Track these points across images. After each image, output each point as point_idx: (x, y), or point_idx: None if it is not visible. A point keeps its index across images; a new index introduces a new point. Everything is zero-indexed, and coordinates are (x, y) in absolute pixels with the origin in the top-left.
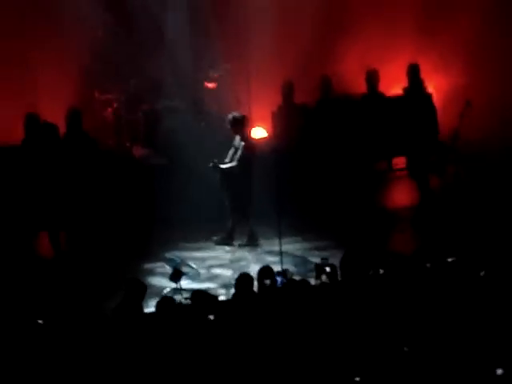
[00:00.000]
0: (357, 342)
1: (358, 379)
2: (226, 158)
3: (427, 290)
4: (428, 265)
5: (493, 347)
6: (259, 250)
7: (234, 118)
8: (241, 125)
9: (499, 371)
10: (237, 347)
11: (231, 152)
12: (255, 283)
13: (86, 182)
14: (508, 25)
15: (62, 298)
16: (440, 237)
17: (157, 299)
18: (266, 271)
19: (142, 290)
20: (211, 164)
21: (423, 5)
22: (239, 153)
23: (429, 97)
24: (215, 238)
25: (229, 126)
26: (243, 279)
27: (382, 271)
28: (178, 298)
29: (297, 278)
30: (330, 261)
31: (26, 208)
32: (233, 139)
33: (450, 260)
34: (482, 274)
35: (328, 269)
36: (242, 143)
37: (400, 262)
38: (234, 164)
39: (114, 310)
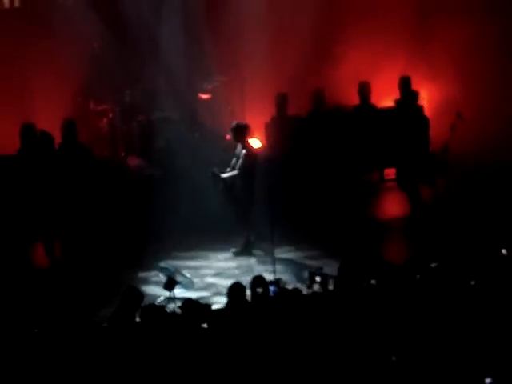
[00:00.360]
0: (347, 350)
1: None
2: (227, 167)
3: (417, 299)
4: (418, 275)
5: (482, 356)
6: (253, 259)
7: (238, 126)
8: (243, 133)
9: (488, 380)
10: (229, 356)
11: (233, 161)
12: (248, 292)
13: (80, 192)
14: (500, 37)
15: (56, 308)
16: (431, 247)
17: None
18: (258, 280)
19: (139, 299)
20: (210, 173)
21: (415, 17)
22: (240, 161)
23: (419, 109)
24: (234, 250)
25: (231, 134)
26: (235, 288)
27: (373, 282)
28: (171, 306)
29: (289, 287)
30: (322, 270)
31: (22, 217)
32: (227, 149)
33: (433, 265)
34: (472, 283)
35: (319, 278)
36: (244, 152)
37: (392, 272)
38: (235, 172)
39: (110, 319)
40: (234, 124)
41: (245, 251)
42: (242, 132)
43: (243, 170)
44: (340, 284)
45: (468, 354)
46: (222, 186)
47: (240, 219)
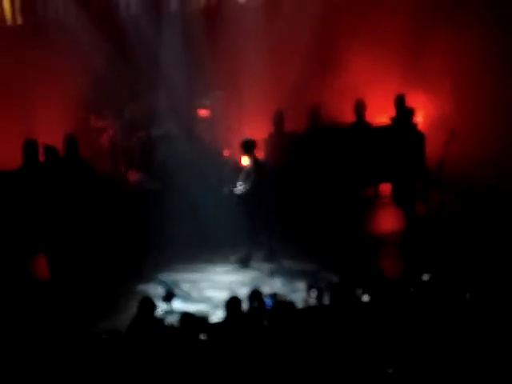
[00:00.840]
0: (343, 363)
1: None
2: (237, 181)
3: (412, 313)
4: (412, 289)
5: (477, 367)
6: (250, 272)
7: (247, 142)
8: (253, 148)
9: None
10: (224, 368)
11: (243, 175)
12: (244, 305)
13: (81, 206)
14: (496, 53)
15: (55, 319)
16: (425, 262)
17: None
18: (254, 294)
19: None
20: (227, 190)
21: (410, 34)
22: (252, 176)
23: (414, 126)
24: (233, 257)
25: (241, 149)
26: (232, 302)
27: (367, 297)
28: (169, 319)
29: (286, 300)
30: (318, 284)
31: (23, 230)
32: (225, 165)
33: (426, 278)
34: (467, 296)
35: (315, 292)
36: (254, 166)
37: (386, 286)
38: (248, 187)
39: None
40: (243, 139)
41: (244, 262)
42: (251, 147)
43: (255, 184)
44: (336, 298)
45: (463, 366)
46: (236, 202)
47: (250, 232)
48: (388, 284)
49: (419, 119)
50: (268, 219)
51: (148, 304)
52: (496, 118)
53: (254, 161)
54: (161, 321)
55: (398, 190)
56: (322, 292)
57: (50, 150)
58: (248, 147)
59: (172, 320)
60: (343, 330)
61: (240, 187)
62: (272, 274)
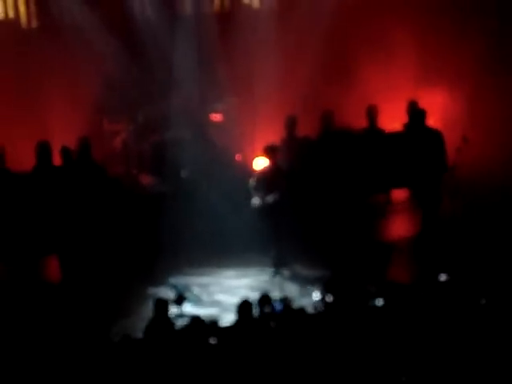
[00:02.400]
0: (356, 370)
1: None
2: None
3: (426, 318)
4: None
5: (490, 376)
6: (261, 277)
7: (271, 147)
8: (276, 153)
9: None
10: (234, 372)
11: (262, 182)
12: (254, 310)
13: (94, 208)
14: (507, 63)
15: (67, 322)
16: (439, 267)
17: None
18: (265, 299)
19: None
20: (256, 201)
21: (423, 41)
22: (280, 184)
23: (428, 128)
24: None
25: (265, 154)
26: (243, 306)
27: (380, 302)
28: (180, 322)
29: (296, 305)
30: (328, 290)
31: (36, 232)
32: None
33: (442, 279)
34: (482, 302)
35: (321, 296)
36: (278, 173)
37: (399, 291)
38: (276, 197)
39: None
40: (268, 145)
41: (278, 268)
42: (275, 152)
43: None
44: (345, 303)
45: (477, 374)
46: (261, 209)
47: (275, 240)
48: (399, 289)
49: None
50: (286, 227)
51: (163, 305)
52: (509, 123)
53: (278, 168)
54: (171, 324)
55: (418, 194)
56: (331, 298)
57: (66, 152)
58: (272, 152)
59: (182, 323)
60: (355, 335)
61: (269, 197)
62: (282, 278)
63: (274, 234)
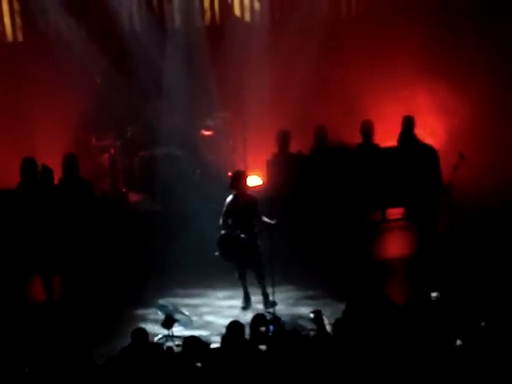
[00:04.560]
0: None
1: None
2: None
3: (423, 341)
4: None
5: None
6: (252, 297)
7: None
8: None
9: None
10: None
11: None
12: (247, 331)
13: (80, 227)
14: (506, 76)
15: (52, 344)
16: (434, 286)
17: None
18: (259, 319)
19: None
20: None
21: (418, 55)
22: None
23: (431, 149)
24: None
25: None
26: (234, 327)
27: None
28: (169, 344)
29: (288, 326)
30: (322, 310)
31: (20, 252)
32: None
33: (434, 296)
34: (482, 324)
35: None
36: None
37: (395, 312)
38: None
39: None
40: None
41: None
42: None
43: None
44: (342, 326)
45: None
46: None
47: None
48: (395, 310)
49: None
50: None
51: (141, 334)
52: (505, 140)
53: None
54: (160, 346)
55: (414, 212)
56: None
57: (46, 171)
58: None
59: (172, 345)
60: (349, 359)
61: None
62: (272, 303)
63: (239, 271)
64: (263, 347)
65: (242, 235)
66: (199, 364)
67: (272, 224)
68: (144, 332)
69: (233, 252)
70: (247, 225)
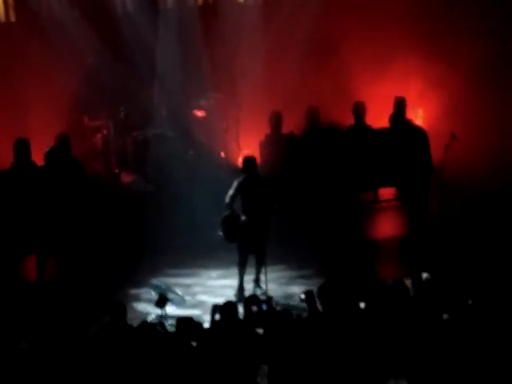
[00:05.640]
0: (341, 372)
1: None
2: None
3: (412, 318)
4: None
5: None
6: (245, 277)
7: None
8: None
9: None
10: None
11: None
12: (240, 310)
13: (73, 208)
14: (498, 57)
15: (45, 323)
16: (425, 266)
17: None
18: (252, 299)
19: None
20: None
21: (411, 36)
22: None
23: (421, 131)
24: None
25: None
26: (227, 307)
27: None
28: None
29: (280, 306)
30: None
31: (13, 232)
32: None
33: (424, 276)
34: (469, 302)
35: (304, 296)
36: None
37: (383, 290)
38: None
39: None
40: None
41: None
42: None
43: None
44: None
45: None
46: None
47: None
48: (384, 288)
49: (419, 121)
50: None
51: (119, 310)
52: (497, 121)
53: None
54: (154, 326)
55: (404, 192)
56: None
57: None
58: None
59: (166, 325)
60: (340, 337)
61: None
62: (267, 279)
63: (241, 257)
64: (260, 330)
65: (243, 217)
66: (194, 343)
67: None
68: (123, 307)
69: (235, 234)
70: (258, 209)
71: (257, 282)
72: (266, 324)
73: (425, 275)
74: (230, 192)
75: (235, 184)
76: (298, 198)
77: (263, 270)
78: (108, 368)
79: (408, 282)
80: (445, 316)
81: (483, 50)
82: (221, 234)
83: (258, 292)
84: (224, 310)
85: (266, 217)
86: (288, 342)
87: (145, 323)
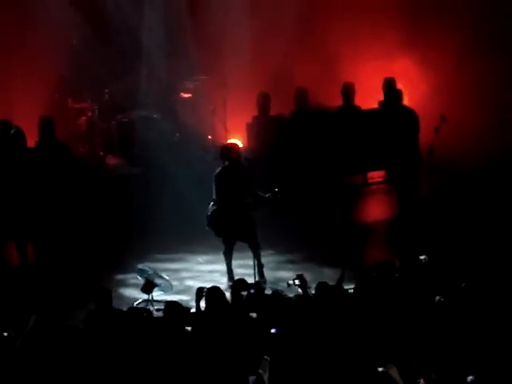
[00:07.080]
0: (331, 357)
1: None
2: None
3: (401, 301)
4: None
5: (465, 354)
6: (233, 262)
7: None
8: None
9: (469, 378)
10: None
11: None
12: (227, 295)
13: (57, 191)
14: (487, 42)
15: (31, 309)
16: (415, 248)
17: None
18: (240, 283)
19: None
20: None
21: (400, 15)
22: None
23: (409, 109)
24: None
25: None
26: (213, 292)
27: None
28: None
29: (268, 290)
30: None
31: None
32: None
33: (422, 258)
34: (463, 285)
35: (298, 282)
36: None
37: (372, 273)
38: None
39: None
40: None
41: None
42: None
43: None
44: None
45: (453, 354)
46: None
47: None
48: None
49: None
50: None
51: (104, 295)
52: (486, 102)
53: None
54: (140, 311)
55: (393, 174)
56: (307, 282)
57: (18, 134)
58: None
59: (152, 310)
60: (330, 321)
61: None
62: (255, 263)
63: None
64: (254, 315)
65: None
66: (189, 328)
67: (266, 198)
68: (108, 293)
69: (225, 228)
70: (238, 197)
71: (260, 270)
72: (258, 308)
73: (422, 257)
74: (215, 188)
75: (214, 179)
76: (286, 181)
77: (259, 255)
78: (97, 354)
79: (397, 263)
80: (437, 298)
81: (473, 28)
82: (207, 229)
83: (263, 285)
84: (209, 296)
85: (244, 204)
86: (285, 329)
87: (132, 309)
